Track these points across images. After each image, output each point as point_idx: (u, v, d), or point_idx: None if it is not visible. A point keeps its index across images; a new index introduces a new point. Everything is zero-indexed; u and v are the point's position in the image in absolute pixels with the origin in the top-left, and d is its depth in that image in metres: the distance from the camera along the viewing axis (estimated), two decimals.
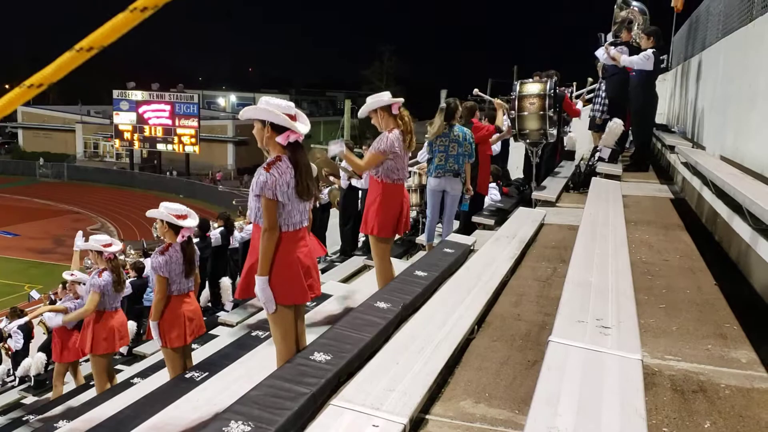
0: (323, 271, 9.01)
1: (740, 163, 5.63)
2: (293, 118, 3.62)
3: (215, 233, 10.75)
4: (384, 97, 5.22)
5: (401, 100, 5.25)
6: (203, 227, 10.54)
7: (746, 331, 3.55)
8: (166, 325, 5.60)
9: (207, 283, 10.85)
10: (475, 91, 9.19)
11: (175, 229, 5.63)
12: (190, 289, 5.81)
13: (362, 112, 5.37)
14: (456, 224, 7.94)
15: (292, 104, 3.70)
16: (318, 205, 9.51)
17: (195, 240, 10.10)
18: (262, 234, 3.52)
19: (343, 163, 10.45)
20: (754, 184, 4.61)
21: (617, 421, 2.20)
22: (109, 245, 6.89)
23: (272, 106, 3.59)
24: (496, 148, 9.52)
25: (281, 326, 3.66)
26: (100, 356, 6.92)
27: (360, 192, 9.60)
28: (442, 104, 6.98)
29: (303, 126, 3.63)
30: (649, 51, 8.68)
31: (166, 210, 5.62)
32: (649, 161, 9.73)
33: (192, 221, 5.75)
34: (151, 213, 5.76)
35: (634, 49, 9.25)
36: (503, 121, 8.54)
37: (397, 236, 5.96)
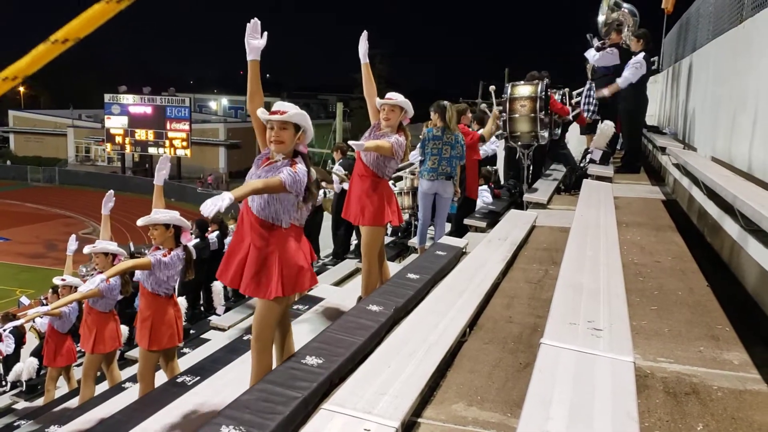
0: (316, 273, 8.98)
1: (731, 164, 5.65)
2: None
3: (212, 237, 10.76)
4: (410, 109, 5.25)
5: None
6: (203, 228, 10.55)
7: (738, 333, 3.56)
8: (162, 326, 5.49)
9: (202, 286, 10.82)
10: (492, 88, 9.18)
11: (179, 232, 5.53)
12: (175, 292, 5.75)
13: (402, 101, 5.16)
14: (447, 227, 7.94)
15: None
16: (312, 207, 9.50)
17: (195, 241, 10.12)
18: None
19: (335, 168, 10.48)
20: (745, 185, 4.63)
21: (609, 424, 2.19)
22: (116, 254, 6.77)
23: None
24: (488, 149, 9.51)
25: (274, 317, 3.73)
26: (97, 355, 6.84)
27: None
28: (436, 106, 6.96)
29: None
30: (640, 56, 8.71)
31: (168, 215, 5.41)
32: (640, 163, 9.76)
33: (187, 224, 5.71)
34: (157, 218, 5.36)
35: (624, 51, 9.28)
36: (491, 131, 8.49)
37: (390, 238, 5.89)
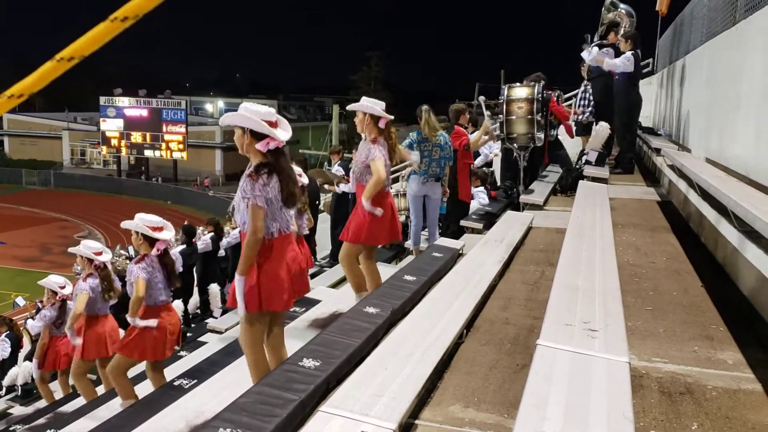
0: (312, 276, 8.99)
1: (725, 166, 5.67)
2: (274, 124, 3.61)
3: (205, 239, 10.71)
4: (378, 106, 5.14)
5: (391, 117, 5.23)
6: (189, 233, 10.50)
7: (732, 333, 3.57)
8: (138, 338, 5.52)
9: (196, 289, 10.81)
10: (482, 98, 9.22)
11: (151, 241, 5.58)
12: (168, 302, 5.74)
13: (354, 107, 5.22)
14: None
15: (272, 110, 3.67)
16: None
17: (182, 247, 10.09)
18: (247, 240, 3.55)
19: (334, 169, 10.49)
20: (739, 186, 4.65)
21: (605, 424, 2.20)
22: (100, 253, 6.81)
23: (251, 113, 3.57)
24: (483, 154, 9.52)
25: (255, 331, 3.76)
26: (82, 361, 6.83)
27: (350, 196, 9.59)
28: (422, 111, 6.96)
29: (284, 133, 3.62)
30: (629, 53, 8.76)
31: (142, 221, 5.58)
32: (634, 163, 9.78)
33: (168, 233, 5.72)
34: (126, 224, 5.70)
35: (621, 52, 9.31)
36: (482, 142, 8.45)
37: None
